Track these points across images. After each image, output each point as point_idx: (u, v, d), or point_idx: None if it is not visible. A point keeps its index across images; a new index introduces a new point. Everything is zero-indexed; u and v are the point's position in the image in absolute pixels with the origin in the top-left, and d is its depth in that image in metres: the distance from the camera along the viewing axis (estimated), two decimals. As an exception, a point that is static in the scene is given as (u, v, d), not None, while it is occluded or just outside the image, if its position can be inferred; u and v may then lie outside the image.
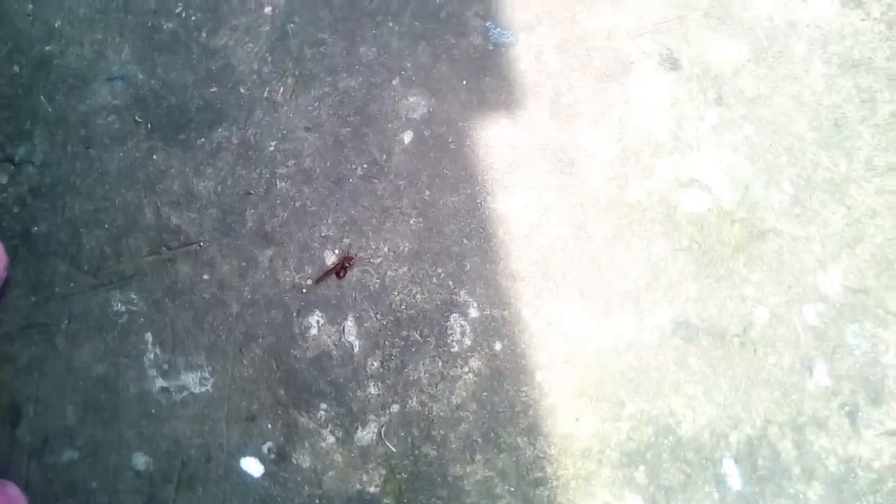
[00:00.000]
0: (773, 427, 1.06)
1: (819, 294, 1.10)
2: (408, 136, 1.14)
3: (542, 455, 1.05)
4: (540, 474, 1.05)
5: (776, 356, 1.08)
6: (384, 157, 1.13)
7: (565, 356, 1.08)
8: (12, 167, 1.08)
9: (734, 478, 1.06)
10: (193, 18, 1.15)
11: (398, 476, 1.03)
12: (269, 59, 1.14)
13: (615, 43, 1.18)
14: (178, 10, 1.15)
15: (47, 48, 1.13)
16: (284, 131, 1.12)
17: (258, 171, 1.10)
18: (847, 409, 1.07)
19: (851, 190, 1.13)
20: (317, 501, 1.02)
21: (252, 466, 1.03)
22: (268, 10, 1.16)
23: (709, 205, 1.12)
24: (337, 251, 1.09)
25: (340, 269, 1.08)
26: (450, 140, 1.14)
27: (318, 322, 1.07)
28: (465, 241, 1.11)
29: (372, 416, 1.05)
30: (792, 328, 1.09)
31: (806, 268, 1.10)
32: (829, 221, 1.12)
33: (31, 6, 1.14)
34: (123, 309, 1.04)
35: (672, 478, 1.05)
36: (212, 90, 1.12)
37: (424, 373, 1.07)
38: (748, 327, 1.09)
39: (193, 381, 1.04)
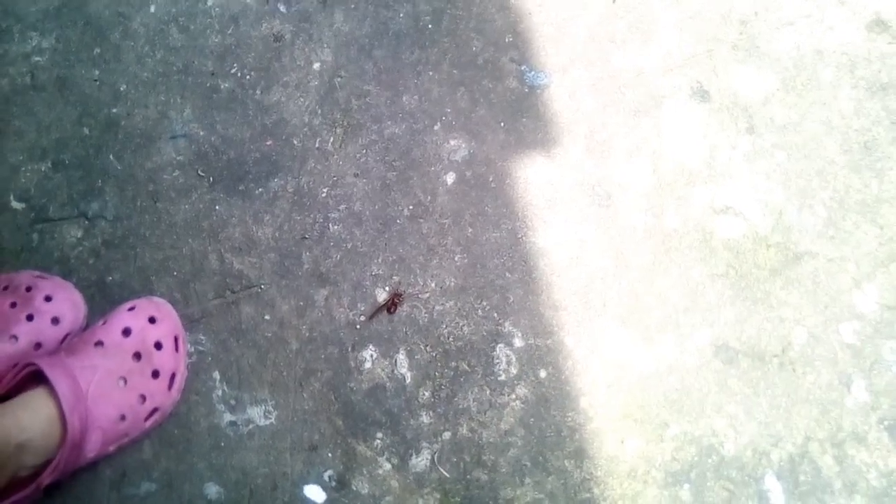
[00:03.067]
0: (814, 443, 1.30)
1: (855, 312, 1.35)
2: (450, 178, 1.43)
3: (588, 477, 1.30)
4: (588, 495, 1.30)
5: (815, 374, 1.33)
6: (429, 198, 1.42)
7: (608, 381, 1.34)
8: (86, 222, 1.39)
9: (777, 494, 1.29)
10: (248, 77, 1.47)
11: (452, 500, 1.29)
12: (319, 111, 1.45)
13: (646, 79, 1.47)
14: (233, 71, 1.47)
15: (114, 111, 1.45)
16: (335, 178, 1.42)
17: (312, 216, 1.40)
18: (886, 423, 1.30)
19: (884, 210, 1.38)
20: (376, 525, 1.29)
21: (315, 493, 1.30)
22: (316, 66, 1.48)
23: (744, 231, 1.39)
24: (387, 288, 1.38)
25: (391, 305, 1.36)
26: (490, 179, 1.43)
27: (371, 356, 1.35)
28: (507, 274, 1.39)
29: (425, 444, 1.32)
30: (829, 347, 1.34)
31: (842, 288, 1.36)
32: (862, 242, 1.37)
33: (97, 72, 1.47)
34: (192, 349, 1.33)
35: (716, 496, 1.29)
36: (267, 143, 1.43)
37: (473, 401, 1.34)
38: (786, 348, 1.34)
39: (258, 415, 1.32)
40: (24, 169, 1.39)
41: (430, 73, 1.39)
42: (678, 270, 1.29)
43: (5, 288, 1.28)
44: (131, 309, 1.24)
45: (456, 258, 1.31)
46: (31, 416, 1.10)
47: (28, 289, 1.28)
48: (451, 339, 1.28)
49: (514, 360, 1.27)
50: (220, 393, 1.27)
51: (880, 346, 1.25)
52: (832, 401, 1.24)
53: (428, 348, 1.27)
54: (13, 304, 1.26)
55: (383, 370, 1.27)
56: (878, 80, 1.36)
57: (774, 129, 1.34)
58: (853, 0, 1.41)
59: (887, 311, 1.25)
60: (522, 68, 1.39)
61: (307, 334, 1.28)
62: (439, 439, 1.24)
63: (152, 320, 1.23)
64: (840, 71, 1.37)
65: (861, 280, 1.27)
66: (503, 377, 1.26)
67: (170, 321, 1.25)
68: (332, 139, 1.36)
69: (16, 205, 1.37)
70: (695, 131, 1.34)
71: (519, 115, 1.36)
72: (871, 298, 1.27)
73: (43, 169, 1.39)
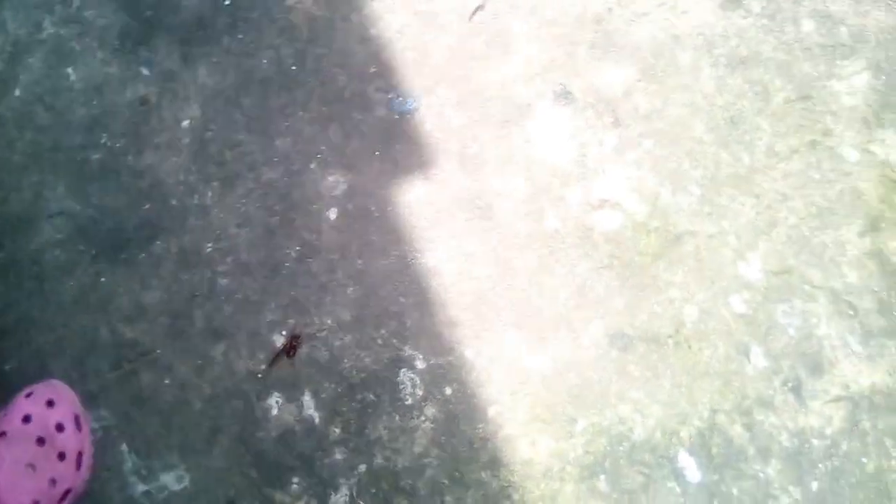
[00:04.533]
0: (721, 415, 1.41)
1: (743, 283, 1.46)
2: (333, 213, 1.54)
3: (506, 484, 1.39)
4: (508, 502, 1.38)
5: (711, 349, 1.44)
6: (314, 236, 1.52)
7: (512, 388, 1.43)
8: (-25, 313, 1.48)
9: (692, 470, 1.39)
10: (118, 145, 1.55)
11: None
12: (193, 168, 1.55)
13: (510, 90, 1.58)
14: (103, 140, 1.55)
15: (-10, 199, 1.54)
16: (218, 232, 1.52)
17: (199, 273, 1.49)
18: (790, 384, 1.41)
19: (757, 179, 1.50)
20: (305, 569, 1.37)
21: None
22: (185, 123, 1.58)
23: (622, 221, 1.50)
24: (284, 333, 1.46)
25: (290, 348, 1.44)
26: (372, 209, 1.53)
27: (277, 402, 1.44)
28: (401, 299, 1.49)
29: (342, 480, 1.40)
30: (722, 320, 1.45)
31: (725, 261, 1.47)
32: (740, 213, 1.49)
33: (-32, 163, 1.56)
34: (97, 425, 1.40)
35: (633, 482, 1.39)
36: (145, 207, 1.52)
37: (384, 429, 1.42)
38: (679, 327, 1.45)
39: (171, 481, 1.39)
40: None
41: (300, 114, 1.49)
42: (564, 269, 1.40)
43: None
44: (29, 395, 1.31)
45: (349, 291, 1.40)
46: None
47: None
48: (353, 371, 1.37)
49: (418, 382, 1.36)
50: (130, 465, 1.34)
51: (772, 311, 1.36)
52: (733, 371, 1.34)
53: (332, 385, 1.36)
54: None
55: (291, 414, 1.36)
56: (736, 54, 1.49)
57: (639, 118, 1.46)
58: (699, -18, 1.53)
59: (773, 276, 1.37)
60: (389, 96, 1.50)
61: (209, 392, 1.36)
62: (355, 473, 1.33)
63: (51, 403, 1.30)
64: (698, 52, 1.50)
65: (743, 251, 1.39)
66: (410, 401, 1.35)
67: (68, 402, 1.33)
68: (209, 193, 1.45)
69: None
70: (563, 133, 1.46)
71: (392, 141, 1.47)
72: (756, 267, 1.38)
73: (-76, 267, 1.45)
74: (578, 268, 1.36)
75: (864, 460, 1.27)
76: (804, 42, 1.47)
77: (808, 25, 1.48)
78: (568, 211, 1.38)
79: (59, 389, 1.33)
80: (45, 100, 1.50)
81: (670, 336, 1.32)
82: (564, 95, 1.44)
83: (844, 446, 1.30)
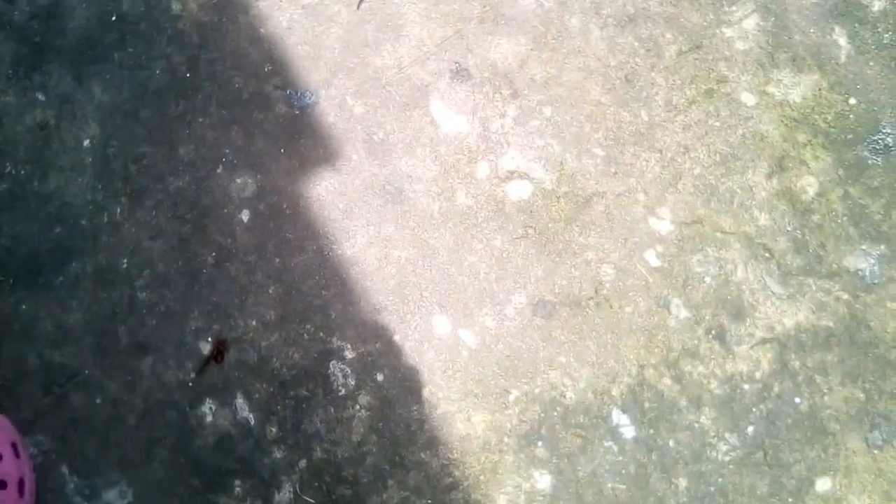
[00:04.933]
0: (649, 370, 1.44)
1: (655, 237, 1.48)
2: (245, 215, 1.54)
3: (447, 462, 1.41)
4: (450, 479, 1.40)
5: (632, 305, 1.46)
6: (229, 240, 1.52)
7: (443, 366, 1.45)
8: None
9: (627, 427, 1.42)
10: (23, 172, 1.54)
11: None
12: (100, 186, 1.54)
13: (407, 73, 1.59)
14: (7, 169, 1.54)
15: None
16: (132, 246, 1.51)
17: (118, 290, 1.48)
18: (714, 332, 1.44)
19: (658, 134, 1.52)
20: (256, 570, 1.38)
21: None
22: (86, 142, 1.56)
23: (532, 190, 1.52)
24: (210, 339, 1.47)
25: (217, 354, 1.45)
26: (285, 206, 1.53)
27: (211, 409, 1.44)
28: (324, 292, 1.50)
29: (284, 478, 1.41)
30: (639, 276, 1.47)
31: (636, 217, 1.49)
32: (645, 169, 1.51)
33: None
34: (35, 451, 1.40)
35: (570, 444, 1.42)
36: (56, 231, 1.50)
37: (320, 423, 1.43)
38: (598, 288, 1.47)
39: (115, 497, 1.39)
40: None
41: (200, 120, 1.49)
42: (481, 244, 1.41)
43: None
44: (-38, 429, 1.30)
45: (270, 291, 1.41)
46: None
47: None
48: (284, 369, 1.37)
49: (349, 372, 1.37)
50: (72, 486, 1.34)
51: (688, 262, 1.39)
52: (655, 325, 1.37)
53: (264, 385, 1.37)
54: None
55: (226, 419, 1.36)
56: (625, 13, 1.51)
57: (536, 87, 1.47)
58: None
59: (685, 227, 1.39)
60: (288, 92, 1.50)
61: (142, 406, 1.36)
62: (296, 469, 1.34)
63: (-16, 434, 1.30)
64: (587, 15, 1.51)
65: (653, 205, 1.41)
66: (343, 392, 1.36)
67: (3, 430, 1.32)
68: (118, 209, 1.45)
69: None
70: (464, 109, 1.46)
71: (296, 137, 1.47)
72: (667, 220, 1.41)
73: None
74: (495, 241, 1.37)
75: (798, 400, 1.30)
76: (690, -6, 1.48)
77: (692, -23, 1.49)
78: (478, 186, 1.40)
79: None
80: (-57, 134, 1.47)
81: (591, 298, 1.34)
82: (460, 73, 1.45)
83: (776, 388, 1.33)
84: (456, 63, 1.45)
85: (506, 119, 1.42)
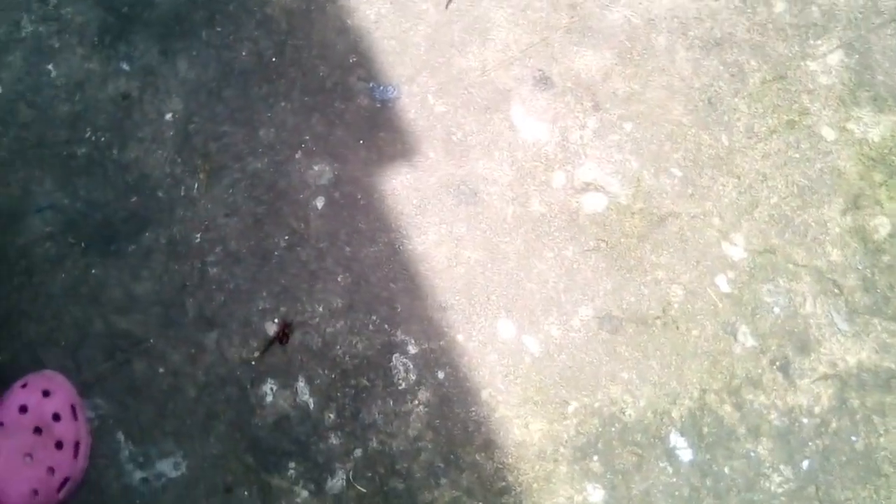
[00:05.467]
0: (711, 395, 1.43)
1: (727, 263, 1.48)
2: (320, 202, 1.54)
3: (501, 466, 1.41)
4: (503, 484, 1.40)
5: (699, 328, 1.46)
6: (302, 225, 1.52)
7: (505, 370, 1.45)
8: (-35, 308, 1.46)
9: (684, 450, 1.41)
10: (103, 139, 1.55)
11: None
12: (179, 160, 1.54)
13: (490, 76, 1.58)
14: (87, 135, 1.54)
15: (-25, 195, 1.52)
16: (206, 222, 1.51)
17: (189, 263, 1.48)
18: (778, 363, 1.43)
19: (738, 160, 1.51)
20: (302, 553, 1.37)
21: None
22: (168, 116, 1.57)
23: (607, 203, 1.52)
24: (276, 320, 1.47)
25: (282, 336, 1.45)
26: (359, 197, 1.54)
27: (271, 389, 1.44)
28: (391, 285, 1.50)
29: (338, 465, 1.41)
30: (708, 300, 1.47)
31: (710, 241, 1.49)
32: (722, 194, 1.51)
33: (-48, 160, 1.54)
34: (92, 415, 1.40)
35: (626, 461, 1.41)
36: (133, 200, 1.51)
37: (378, 414, 1.43)
38: (667, 307, 1.47)
39: (169, 467, 1.39)
40: None
41: (283, 104, 1.49)
42: (552, 252, 1.41)
43: None
44: (24, 386, 1.30)
45: (339, 278, 1.40)
46: None
47: None
48: (346, 357, 1.37)
49: (411, 367, 1.36)
50: (127, 453, 1.34)
51: (758, 291, 1.38)
52: (721, 351, 1.36)
53: (326, 371, 1.36)
54: None
55: (285, 401, 1.36)
56: (711, 36, 1.51)
57: (618, 102, 1.47)
58: (674, -33, 1.55)
59: (758, 255, 1.39)
60: (371, 85, 1.50)
61: (203, 379, 1.36)
62: (351, 457, 1.33)
63: (46, 393, 1.30)
64: (673, 35, 1.51)
65: (727, 230, 1.41)
66: (403, 385, 1.36)
67: (63, 392, 1.32)
68: (196, 185, 1.45)
69: None
70: (544, 117, 1.46)
71: (375, 130, 1.47)
72: (740, 246, 1.40)
73: (-89, 264, 1.44)
74: (566, 251, 1.37)
75: (854, 438, 1.29)
76: (777, 22, 1.49)
77: (779, 6, 1.50)
78: (553, 195, 1.39)
79: (54, 379, 1.32)
80: (27, 97, 1.49)
81: (658, 317, 1.34)
82: (543, 80, 1.45)
83: (834, 424, 1.32)
84: (539, 70, 1.45)
85: (585, 131, 1.42)
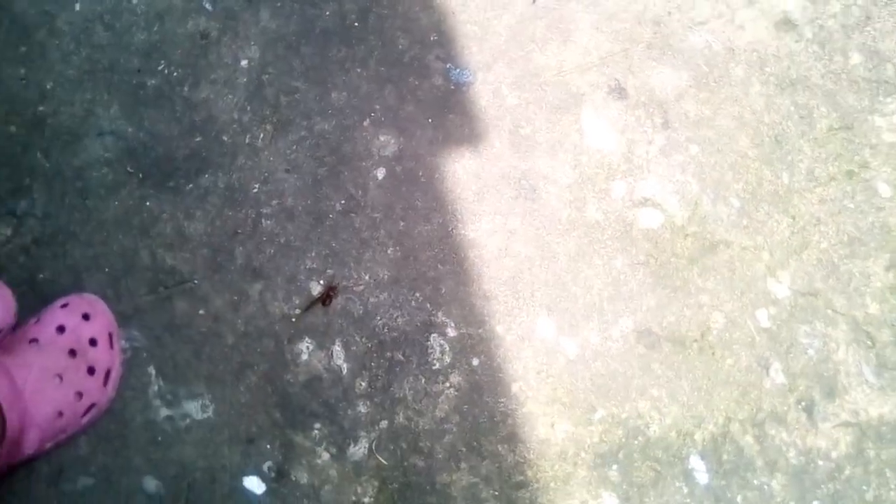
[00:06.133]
0: (735, 424, 1.44)
1: (770, 298, 1.49)
2: (381, 173, 1.53)
3: (521, 460, 1.41)
4: (521, 478, 1.40)
5: (734, 358, 1.47)
6: (360, 192, 1.52)
7: (538, 367, 1.45)
8: (15, 220, 1.44)
9: (701, 473, 1.41)
10: (175, 74, 1.54)
11: (390, 487, 1.39)
12: (248, 108, 1.53)
13: (566, 77, 1.59)
14: (160, 68, 1.54)
15: (41, 109, 1.50)
16: (266, 174, 1.51)
17: (244, 211, 1.48)
18: (803, 404, 1.45)
19: (795, 200, 1.53)
20: (315, 514, 1.37)
21: (254, 485, 1.38)
22: (244, 63, 1.56)
23: (662, 221, 1.52)
24: (321, 282, 1.46)
25: (325, 298, 1.44)
26: (420, 174, 1.53)
27: (307, 348, 1.44)
28: (439, 266, 1.50)
29: (362, 433, 1.41)
30: (747, 331, 1.48)
31: (757, 275, 1.50)
32: (775, 231, 1.52)
33: (22, 70, 1.52)
34: (127, 345, 1.39)
35: (643, 475, 1.42)
36: (196, 140, 1.50)
37: (409, 390, 1.43)
38: (706, 332, 1.48)
39: (195, 409, 1.39)
40: (-53, 167, 1.42)
41: (358, 70, 1.48)
42: (601, 260, 1.41)
43: None
44: (64, 306, 1.29)
45: (389, 251, 1.40)
46: None
47: None
48: (385, 330, 1.37)
49: (447, 349, 1.36)
50: (155, 388, 1.33)
51: (795, 331, 1.39)
52: (751, 383, 1.37)
53: (363, 339, 1.36)
54: None
55: (320, 362, 1.35)
56: (787, 76, 1.51)
57: (689, 124, 1.47)
58: (762, 0, 1.56)
59: (801, 296, 1.40)
60: (448, 66, 1.50)
61: (242, 328, 1.35)
62: (376, 428, 1.33)
63: (86, 317, 1.29)
64: (751, 68, 1.52)
65: (775, 267, 1.41)
66: (437, 366, 1.36)
67: (104, 318, 1.31)
68: (261, 135, 1.44)
69: (-61, 203, 1.41)
70: (613, 127, 1.47)
71: (446, 111, 1.47)
72: (785, 285, 1.41)
73: (-33, 167, 1.42)
74: (615, 261, 1.37)
75: (865, 488, 1.30)
76: (851, 74, 1.49)
77: (855, 58, 1.50)
78: (610, 204, 1.40)
79: (95, 304, 1.32)
80: (104, 19, 1.47)
81: (696, 340, 1.34)
82: (618, 90, 1.46)
83: (848, 471, 1.33)
84: (616, 80, 1.46)
85: (652, 146, 1.42)
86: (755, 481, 1.30)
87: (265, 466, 1.28)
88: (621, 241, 1.37)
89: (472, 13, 1.49)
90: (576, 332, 1.33)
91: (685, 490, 1.28)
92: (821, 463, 1.31)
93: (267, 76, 1.45)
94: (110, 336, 1.28)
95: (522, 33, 1.49)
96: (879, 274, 1.37)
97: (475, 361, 1.33)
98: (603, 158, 1.41)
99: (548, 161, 1.41)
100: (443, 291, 1.36)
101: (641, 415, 1.31)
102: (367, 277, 1.36)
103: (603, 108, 1.43)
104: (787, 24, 1.50)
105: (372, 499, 1.30)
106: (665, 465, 1.29)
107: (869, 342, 1.34)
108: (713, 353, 1.33)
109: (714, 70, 1.46)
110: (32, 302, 1.34)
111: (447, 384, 1.33)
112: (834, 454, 1.31)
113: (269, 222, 1.37)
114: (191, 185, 1.39)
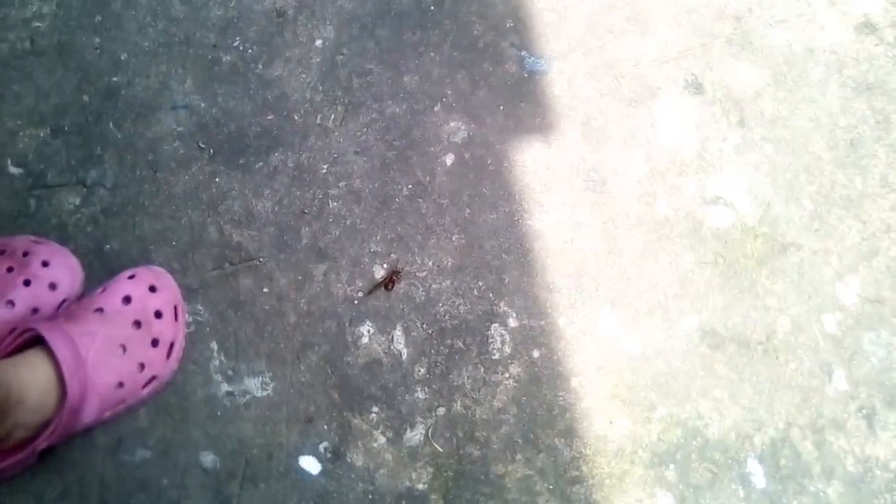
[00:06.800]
0: (795, 429, 1.41)
1: (837, 304, 1.45)
2: (449, 159, 1.51)
3: (577, 455, 1.39)
4: (576, 473, 1.38)
5: (797, 362, 1.43)
6: (427, 178, 1.50)
7: (599, 362, 1.42)
8: (85, 189, 1.44)
9: (758, 476, 1.39)
10: (250, 51, 1.53)
11: (444, 474, 1.38)
12: (321, 88, 1.52)
13: (642, 70, 1.55)
14: (235, 44, 1.53)
15: (114, 79, 1.50)
16: (335, 155, 1.49)
17: (312, 192, 1.47)
18: (864, 412, 1.41)
19: (867, 206, 1.48)
20: (370, 497, 1.36)
21: (310, 464, 1.37)
22: (318, 42, 1.55)
23: (732, 221, 1.49)
24: (385, 265, 1.45)
25: (389, 282, 1.42)
26: (489, 162, 1.51)
27: (368, 331, 1.43)
28: (503, 255, 1.47)
29: (419, 419, 1.40)
30: (812, 336, 1.44)
31: (825, 279, 1.46)
32: (846, 236, 1.47)
33: (97, 40, 1.52)
34: (191, 319, 1.38)
35: (700, 477, 1.39)
36: (268, 118, 1.49)
37: (468, 378, 1.42)
38: (771, 335, 1.44)
39: (255, 386, 1.39)
40: (22, 134, 1.42)
41: (432, 55, 1.46)
42: (668, 257, 1.38)
43: (2, 252, 1.30)
44: (131, 277, 1.29)
45: (453, 238, 1.38)
46: (32, 375, 1.13)
47: (25, 254, 1.31)
48: (447, 317, 1.35)
49: (508, 339, 1.34)
50: (217, 363, 1.33)
51: (860, 338, 1.35)
52: (813, 388, 1.33)
53: (424, 326, 1.35)
54: (10, 269, 1.28)
55: (380, 346, 1.34)
56: (865, 80, 1.47)
57: (764, 123, 1.43)
58: (844, 1, 1.50)
59: (868, 303, 1.36)
60: (522, 53, 1.47)
61: (305, 308, 1.34)
62: (433, 415, 1.31)
63: (153, 289, 1.29)
64: (829, 69, 1.47)
65: (843, 273, 1.38)
66: (497, 356, 1.34)
67: (170, 290, 1.31)
68: (332, 116, 1.42)
69: (13, 170, 1.42)
70: (688, 122, 1.43)
71: (518, 99, 1.44)
72: (853, 291, 1.37)
73: (41, 135, 1.43)
74: (682, 258, 1.34)
75: (923, 499, 1.25)
76: (932, 80, 1.44)
77: (939, 63, 1.45)
78: (681, 200, 1.37)
79: (162, 276, 1.33)
80: (182, -9, 1.45)
81: (760, 343, 1.31)
82: (695, 86, 1.42)
83: (905, 482, 1.25)
84: (693, 75, 1.42)
85: (726, 144, 1.38)
86: (812, 488, 1.27)
87: (321, 447, 1.27)
88: (690, 238, 1.34)
89: (550, 1, 1.47)
90: (639, 328, 1.31)
91: (741, 493, 1.26)
92: (878, 472, 1.29)
93: (341, 57, 1.43)
94: (175, 309, 1.28)
95: (600, 23, 1.47)
96: (951, 284, 1.32)
97: (535, 353, 1.32)
98: (675, 154, 1.38)
99: (619, 154, 1.38)
100: (506, 281, 1.34)
101: (701, 415, 1.29)
102: (430, 263, 1.34)
103: (678, 103, 1.40)
104: (868, 26, 1.45)
105: (426, 485, 1.29)
106: (722, 467, 1.27)
107: (935, 353, 1.29)
108: (777, 357, 1.30)
109: (792, 69, 1.42)
110: (99, 272, 1.34)
111: (506, 375, 1.33)
112: (893, 464, 1.30)
113: (336, 203, 1.36)
114: (260, 163, 1.38)
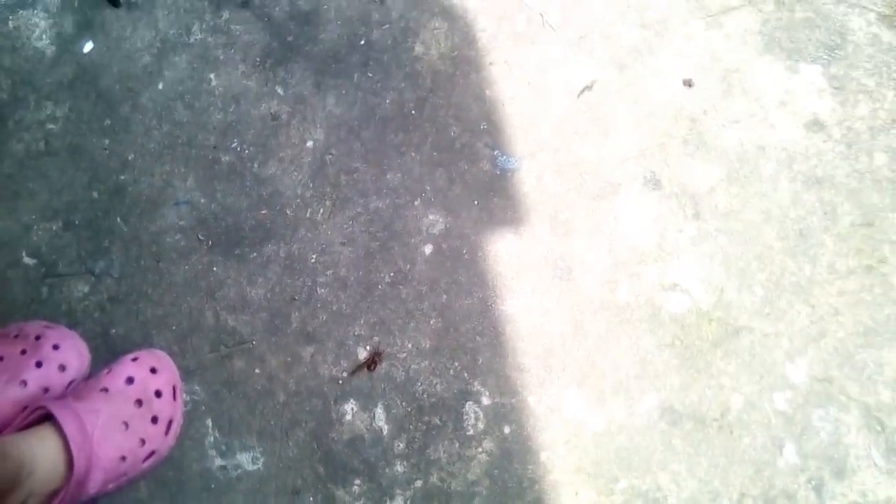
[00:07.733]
0: (748, 500, 1.48)
1: (788, 383, 1.54)
2: (428, 249, 1.61)
3: (546, 524, 1.47)
4: (545, 541, 1.47)
5: (750, 438, 1.51)
6: (408, 266, 1.60)
7: (566, 438, 1.51)
8: (93, 278, 1.55)
9: (715, 544, 1.48)
10: (247, 152, 1.65)
11: None
12: (311, 185, 1.63)
13: (604, 168, 1.67)
14: (234, 145, 1.65)
15: (122, 177, 1.60)
16: (324, 246, 1.60)
17: (301, 280, 1.58)
18: (813, 483, 1.48)
19: (815, 291, 1.59)
20: (352, 565, 1.44)
21: None
22: (309, 143, 1.67)
23: (689, 306, 1.59)
24: (368, 347, 1.52)
25: (371, 363, 1.48)
26: (464, 252, 1.61)
27: (352, 409, 1.51)
28: (477, 338, 1.57)
29: (399, 491, 1.48)
30: (764, 413, 1.53)
31: (776, 360, 1.55)
32: (795, 319, 1.57)
33: (107, 141, 1.63)
34: (188, 398, 1.48)
35: (661, 544, 1.47)
36: (262, 212, 1.60)
37: (444, 453, 1.50)
38: (725, 412, 1.53)
39: (247, 461, 1.47)
40: (36, 228, 1.54)
41: (413, 154, 1.58)
42: (630, 340, 1.48)
43: (16, 336, 1.38)
44: (134, 359, 1.39)
45: (431, 322, 1.48)
46: (43, 449, 1.20)
47: (37, 337, 1.39)
48: (425, 395, 1.45)
49: (481, 416, 1.44)
50: (211, 439, 1.42)
51: (810, 414, 1.44)
52: (765, 462, 1.41)
53: (404, 403, 1.44)
54: (23, 351, 1.36)
55: (362, 422, 1.43)
56: (814, 174, 1.57)
57: (718, 215, 1.54)
58: (793, 102, 1.62)
59: (816, 382, 1.45)
60: (495, 153, 1.59)
61: (293, 388, 1.44)
62: (412, 487, 1.40)
63: (153, 370, 1.39)
64: (780, 165, 1.58)
65: (794, 354, 1.47)
66: (471, 432, 1.43)
67: (169, 372, 1.41)
68: (321, 210, 1.54)
69: (27, 260, 1.53)
70: (647, 216, 1.54)
71: (491, 194, 1.55)
72: (803, 371, 1.46)
73: (54, 228, 1.54)
74: (643, 341, 1.44)
75: (871, 569, 1.32)
76: (875, 174, 1.55)
77: (880, 159, 1.56)
78: (641, 287, 1.46)
79: (162, 359, 1.41)
80: (185, 98, 1.58)
81: (716, 419, 1.40)
82: (653, 182, 1.53)
83: (854, 550, 1.33)
84: (651, 172, 1.53)
85: (682, 235, 1.49)
86: (766, 556, 1.32)
87: (308, 517, 1.33)
88: (650, 322, 1.44)
89: (520, 106, 1.58)
90: (603, 406, 1.39)
91: (700, 561, 1.31)
92: (829, 542, 1.33)
93: (329, 156, 1.54)
94: (174, 389, 1.37)
95: (566, 126, 1.57)
96: (893, 363, 1.42)
97: (507, 429, 1.40)
98: (636, 245, 1.48)
99: (584, 245, 1.48)
100: (479, 362, 1.43)
101: (661, 487, 1.36)
102: (410, 346, 1.44)
103: (638, 198, 1.51)
104: (816, 124, 1.56)
105: (405, 553, 1.32)
106: (681, 536, 1.33)
107: (879, 427, 1.39)
108: (731, 433, 1.38)
109: (745, 166, 1.53)
110: (105, 354, 1.44)
111: (480, 449, 1.40)
112: (842, 535, 1.33)
113: (323, 290, 1.46)
114: (255, 254, 1.49)
